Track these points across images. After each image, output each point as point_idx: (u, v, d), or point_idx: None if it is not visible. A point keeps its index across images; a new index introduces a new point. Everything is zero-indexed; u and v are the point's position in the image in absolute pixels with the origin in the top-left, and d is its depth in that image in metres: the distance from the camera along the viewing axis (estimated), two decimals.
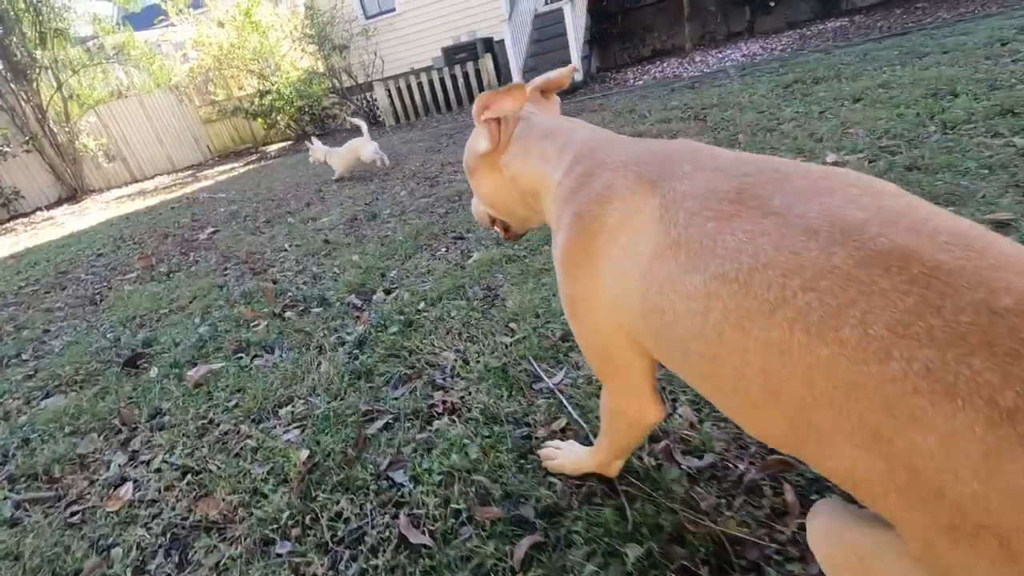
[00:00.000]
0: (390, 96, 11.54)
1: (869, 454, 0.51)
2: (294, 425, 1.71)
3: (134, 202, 9.71)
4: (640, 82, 8.34)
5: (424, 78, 11.11)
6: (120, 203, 10.04)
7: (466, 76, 10.86)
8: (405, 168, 5.94)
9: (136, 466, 1.71)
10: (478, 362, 1.81)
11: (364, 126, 5.77)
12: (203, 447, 1.71)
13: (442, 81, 11.02)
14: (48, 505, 1.63)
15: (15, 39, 11.16)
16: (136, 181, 14.00)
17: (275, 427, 1.72)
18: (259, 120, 13.42)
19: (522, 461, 1.34)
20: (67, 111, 12.09)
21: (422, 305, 2.31)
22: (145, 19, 15.31)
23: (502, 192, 1.07)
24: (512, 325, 1.98)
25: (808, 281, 0.54)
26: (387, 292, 2.59)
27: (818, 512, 0.65)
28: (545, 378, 1.64)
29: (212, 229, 5.19)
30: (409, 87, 11.31)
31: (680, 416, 1.38)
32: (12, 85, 11.41)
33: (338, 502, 1.36)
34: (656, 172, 0.75)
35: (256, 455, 1.61)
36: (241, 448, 1.66)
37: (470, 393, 1.66)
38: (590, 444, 1.28)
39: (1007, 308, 0.45)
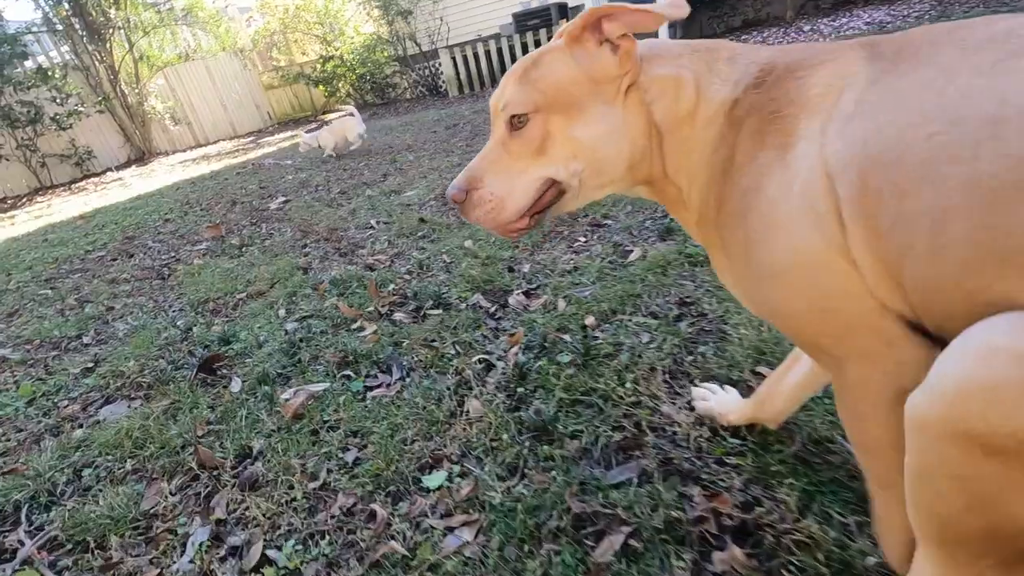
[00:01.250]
0: (455, 64, 10.80)
1: None
2: (457, 517, 1.09)
3: (199, 166, 9.39)
4: None
5: (492, 46, 10.31)
6: (185, 167, 9.74)
7: (537, 44, 9.99)
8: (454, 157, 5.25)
9: (223, 556, 1.14)
10: (732, 432, 1.15)
11: (355, 110, 6.19)
12: (319, 538, 1.13)
13: (511, 49, 10.20)
14: None
15: None
16: (200, 145, 13.79)
17: (424, 514, 1.12)
18: (320, 87, 12.91)
19: None
20: (137, 73, 11.85)
21: (590, 320, 1.66)
22: None
23: (621, 133, 0.79)
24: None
25: None
26: (528, 295, 1.95)
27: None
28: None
29: (283, 198, 4.66)
30: (476, 55, 10.53)
31: None
32: (87, 44, 11.20)
33: None
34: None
35: None
36: (382, 559, 1.05)
37: (747, 490, 1.01)
38: None
39: None
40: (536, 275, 2.08)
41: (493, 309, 1.90)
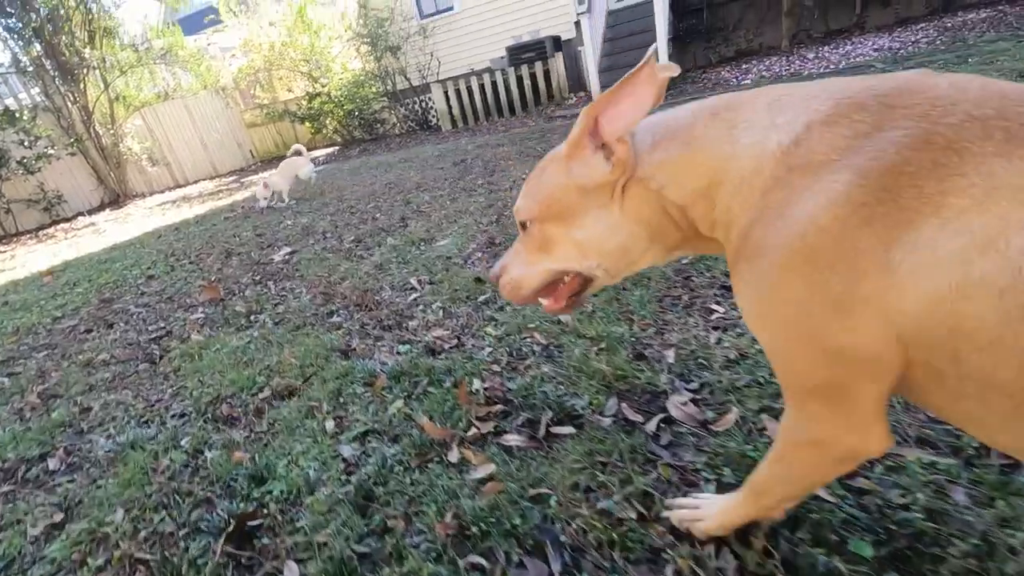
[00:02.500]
0: (447, 98, 10.37)
1: None
2: None
3: (179, 209, 8.63)
4: (747, 80, 7.07)
5: (487, 79, 9.93)
6: (164, 210, 8.97)
7: (533, 77, 9.65)
8: (512, 176, 4.72)
9: None
10: None
11: (303, 149, 6.45)
12: None
13: (505, 82, 9.83)
14: None
15: (64, 38, 10.17)
16: (179, 186, 12.98)
17: None
18: (307, 124, 12.32)
19: None
20: (113, 113, 11.08)
21: None
22: (194, 24, 14.36)
23: (624, 228, 0.80)
24: None
25: None
26: (698, 403, 1.36)
27: None
28: None
29: (288, 249, 4.01)
30: (469, 88, 10.13)
31: None
32: (60, 85, 10.42)
33: None
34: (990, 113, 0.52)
35: None
36: None
37: None
38: None
39: None
40: (689, 368, 1.50)
41: (652, 427, 1.31)
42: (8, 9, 9.86)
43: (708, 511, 0.97)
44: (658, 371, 1.51)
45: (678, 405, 1.34)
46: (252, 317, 2.79)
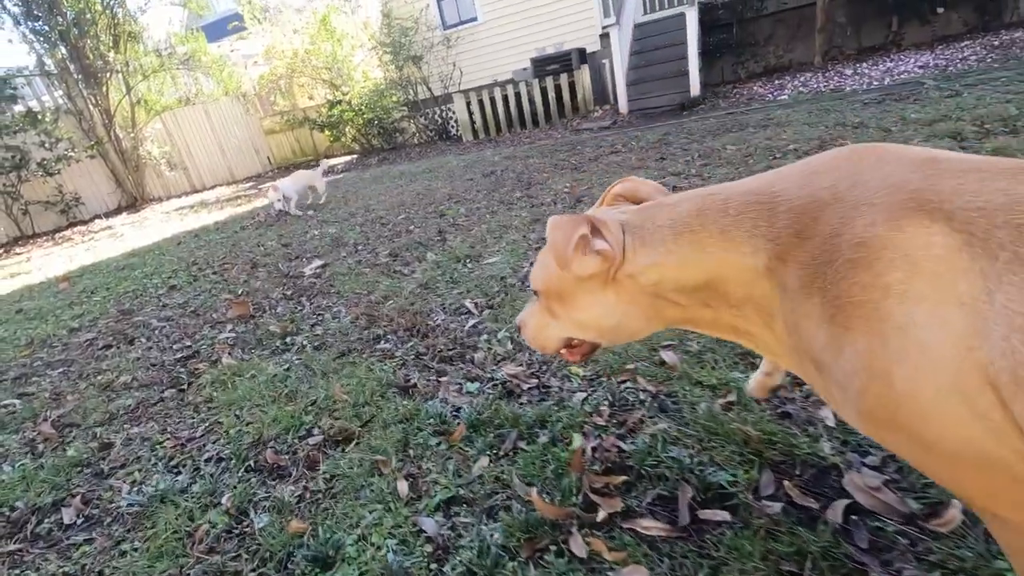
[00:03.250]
0: (469, 109, 10.17)
1: None
2: None
3: (197, 215, 8.42)
4: (784, 96, 6.80)
5: (511, 90, 9.71)
6: (182, 215, 8.76)
7: (558, 89, 9.43)
8: (553, 189, 4.45)
9: None
10: None
11: (324, 163, 6.52)
12: None
13: (529, 94, 9.62)
14: None
15: (89, 42, 10.06)
16: (196, 191, 12.81)
17: None
18: (326, 132, 12.15)
19: None
20: (134, 117, 10.94)
21: None
22: (218, 30, 14.29)
23: (620, 308, 0.83)
24: None
25: None
26: (890, 484, 1.06)
27: None
28: None
29: (319, 262, 3.74)
30: (492, 99, 9.92)
31: None
32: (83, 88, 10.29)
33: None
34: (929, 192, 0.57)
35: None
36: None
37: None
38: None
39: None
40: (854, 432, 1.20)
41: (837, 517, 1.01)
42: (36, 13, 9.77)
43: None
44: (815, 436, 1.21)
45: (864, 488, 1.04)
46: (288, 339, 2.51)
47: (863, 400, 0.59)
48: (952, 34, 8.02)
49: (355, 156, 12.41)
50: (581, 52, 9.71)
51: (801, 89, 6.98)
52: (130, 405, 2.17)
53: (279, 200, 5.92)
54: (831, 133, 4.12)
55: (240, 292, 3.44)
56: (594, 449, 1.31)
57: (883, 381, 0.56)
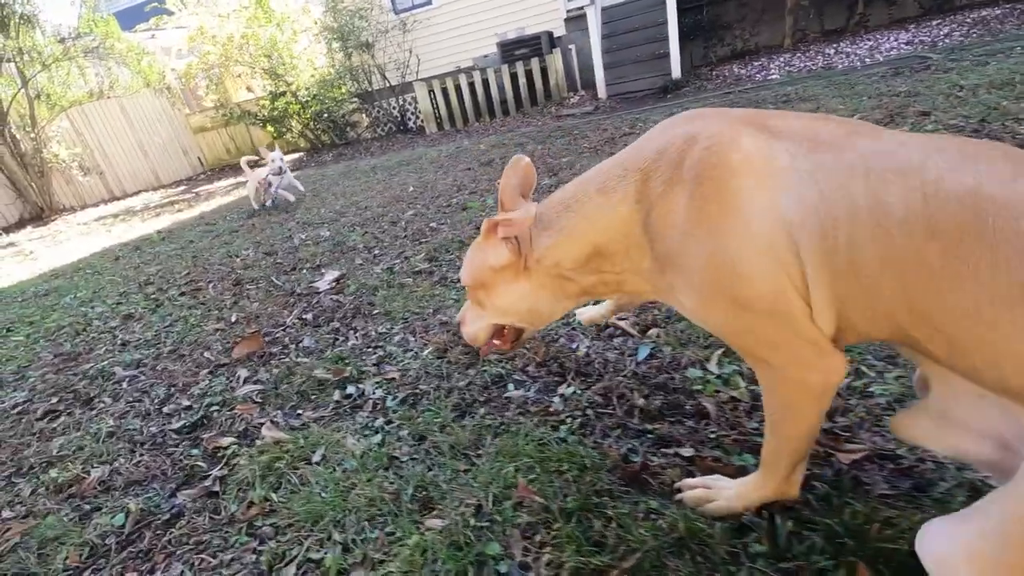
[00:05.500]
0: (433, 98, 9.29)
1: None
2: None
3: (128, 224, 7.04)
4: (774, 76, 6.51)
5: (477, 77, 8.93)
6: (106, 226, 7.32)
7: (528, 75, 8.76)
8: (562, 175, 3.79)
9: None
10: None
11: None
12: None
13: (498, 80, 8.88)
14: None
15: None
16: (116, 199, 11.03)
17: None
18: (268, 127, 10.79)
19: None
20: (33, 114, 9.13)
21: None
22: (131, 18, 12.38)
23: (532, 293, 1.00)
24: None
25: None
26: None
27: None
28: None
29: (335, 273, 2.87)
30: (458, 87, 9.09)
31: None
32: None
33: None
34: (751, 118, 0.78)
35: None
36: None
37: None
38: None
39: None
40: None
41: None
42: None
43: (723, 492, 0.96)
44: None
45: None
46: (349, 388, 1.69)
47: (704, 280, 0.76)
48: (909, 16, 8.11)
49: (304, 153, 11.15)
50: (550, 36, 9.08)
51: (788, 69, 6.73)
52: (122, 531, 1.30)
53: (275, 174, 4.98)
54: (877, 103, 3.74)
55: (236, 320, 2.53)
56: None
57: (721, 256, 0.73)
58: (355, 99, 10.38)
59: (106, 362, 2.37)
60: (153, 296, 3.23)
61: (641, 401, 1.28)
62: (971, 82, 3.69)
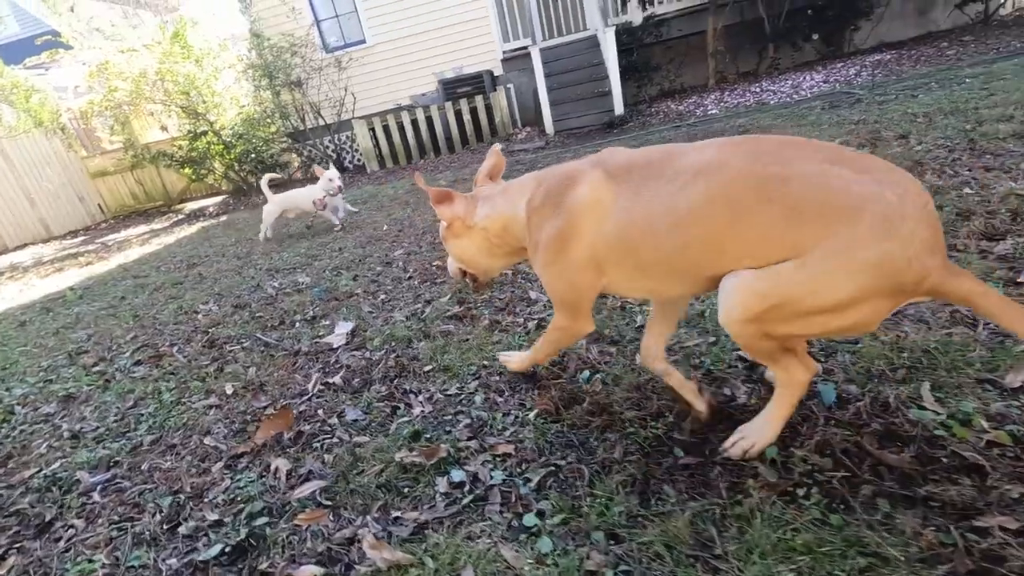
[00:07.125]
0: (374, 136, 8.90)
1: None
2: None
3: (22, 282, 5.86)
4: (713, 111, 6.88)
5: (420, 115, 8.68)
6: None
7: (473, 111, 8.66)
8: None
9: None
10: None
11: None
12: None
13: (443, 118, 8.70)
14: None
15: None
16: None
17: None
18: (186, 169, 9.74)
19: None
20: None
21: None
22: (14, 53, 10.84)
23: (472, 247, 1.43)
24: None
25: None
26: None
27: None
28: None
29: (349, 325, 2.39)
30: (400, 124, 8.78)
31: None
32: None
33: None
34: (597, 159, 1.24)
35: None
36: None
37: None
38: None
39: None
40: None
41: None
42: None
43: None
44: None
45: None
46: (451, 473, 1.29)
47: (541, 264, 1.27)
48: (809, 60, 9.04)
49: (227, 196, 10.19)
50: (491, 74, 9.10)
51: (723, 104, 7.16)
52: None
53: (332, 194, 4.51)
54: (848, 130, 3.96)
55: (234, 392, 1.98)
56: None
57: (554, 252, 1.23)
58: (286, 138, 9.71)
59: (57, 465, 1.74)
60: (96, 369, 2.54)
61: (893, 458, 1.03)
62: (919, 110, 4.02)
